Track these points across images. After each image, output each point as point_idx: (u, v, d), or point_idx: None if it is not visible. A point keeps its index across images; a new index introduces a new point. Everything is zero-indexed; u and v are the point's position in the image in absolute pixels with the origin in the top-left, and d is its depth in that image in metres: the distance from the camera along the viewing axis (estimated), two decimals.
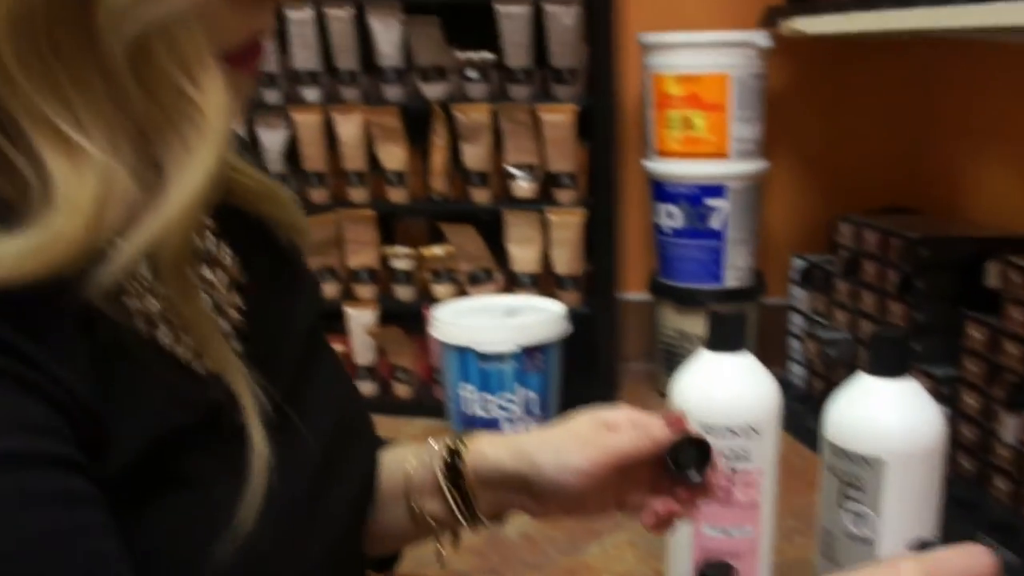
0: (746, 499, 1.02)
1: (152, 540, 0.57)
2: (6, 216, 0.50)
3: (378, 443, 0.92)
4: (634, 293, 1.92)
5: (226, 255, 0.72)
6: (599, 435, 0.78)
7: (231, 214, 0.74)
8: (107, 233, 0.52)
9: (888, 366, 0.94)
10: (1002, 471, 1.28)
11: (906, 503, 0.93)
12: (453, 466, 0.83)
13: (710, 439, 0.76)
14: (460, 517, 0.83)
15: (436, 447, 0.84)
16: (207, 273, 0.69)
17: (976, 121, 1.66)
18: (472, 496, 0.83)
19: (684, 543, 1.04)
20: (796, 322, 1.74)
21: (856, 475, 0.94)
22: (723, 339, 1.02)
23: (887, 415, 0.94)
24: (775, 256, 1.86)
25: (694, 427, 0.77)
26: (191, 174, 0.53)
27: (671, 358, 1.73)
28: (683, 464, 0.75)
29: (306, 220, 0.80)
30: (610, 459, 0.76)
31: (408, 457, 0.86)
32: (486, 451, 0.82)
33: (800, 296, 1.72)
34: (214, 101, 0.53)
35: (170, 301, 0.59)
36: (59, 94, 0.51)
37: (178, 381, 0.59)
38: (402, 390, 1.71)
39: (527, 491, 0.80)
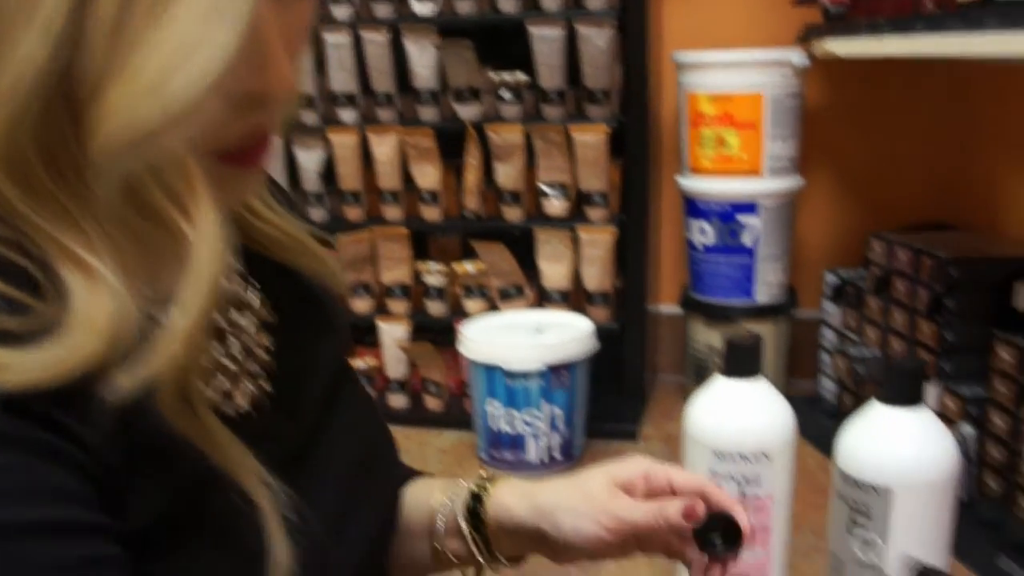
0: (757, 523, 1.03)
1: None
2: (27, 329, 0.52)
3: (404, 474, 0.94)
4: (667, 306, 1.93)
5: (254, 297, 0.75)
6: (613, 500, 0.78)
7: (260, 256, 0.77)
8: (122, 351, 0.54)
9: (901, 396, 0.94)
10: None
11: (914, 532, 0.93)
12: (475, 512, 0.85)
13: (736, 511, 0.76)
14: (480, 558, 0.85)
15: (462, 486, 0.86)
16: (236, 316, 0.72)
17: (1014, 137, 1.65)
18: (492, 541, 0.85)
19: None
20: (828, 337, 1.74)
21: (865, 503, 0.94)
22: (738, 365, 1.03)
23: (897, 445, 0.94)
24: (809, 270, 1.86)
25: (717, 496, 0.77)
26: (186, 306, 0.53)
27: (701, 372, 1.73)
28: (712, 543, 0.76)
29: (339, 268, 0.82)
30: (625, 528, 0.76)
31: (435, 493, 0.88)
32: (507, 501, 0.83)
33: (832, 311, 1.72)
34: (206, 234, 0.53)
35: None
36: (69, 220, 0.52)
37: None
38: (432, 403, 1.74)
39: (546, 543, 0.81)
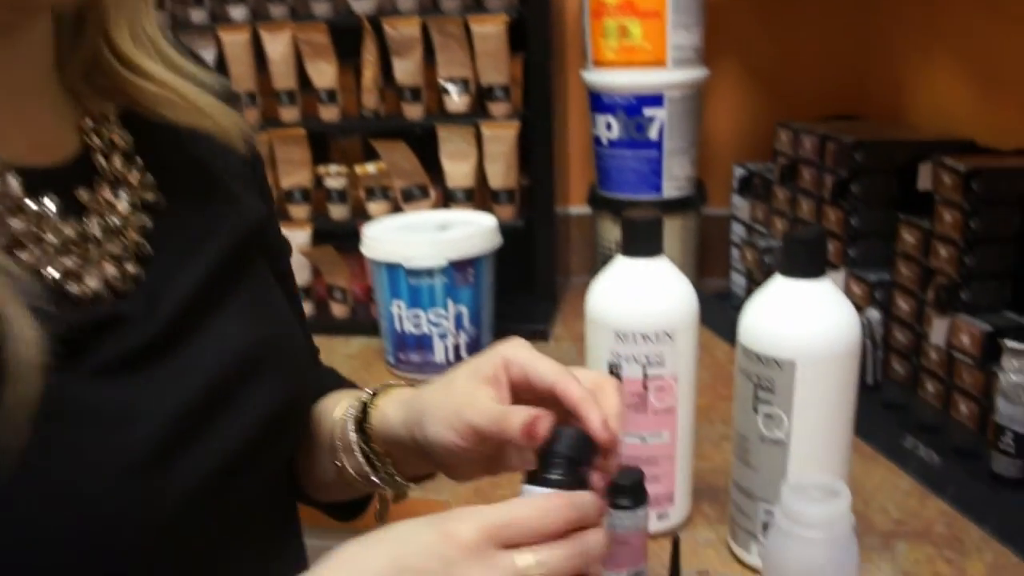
0: (661, 405, 1.01)
1: None
2: None
3: (323, 382, 0.89)
4: (577, 207, 1.89)
5: (136, 175, 0.70)
6: (469, 398, 0.70)
7: (156, 131, 0.71)
8: None
9: (802, 268, 0.92)
10: (931, 373, 1.28)
11: (818, 405, 0.92)
12: (362, 426, 0.79)
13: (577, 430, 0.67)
14: (375, 479, 0.79)
15: (359, 398, 0.81)
16: (107, 194, 0.67)
17: (918, 29, 1.63)
18: (384, 457, 0.79)
19: None
20: (737, 231, 1.72)
21: (768, 378, 0.92)
22: (637, 244, 1.00)
23: (799, 317, 0.91)
24: (718, 166, 1.83)
25: (572, 396, 0.68)
26: None
27: None
28: (548, 472, 0.66)
29: (246, 125, 0.76)
30: (472, 433, 0.69)
31: (341, 405, 0.83)
32: (387, 411, 0.77)
33: (740, 205, 1.70)
34: None
35: None
36: None
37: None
38: (338, 309, 1.69)
39: (424, 455, 0.74)
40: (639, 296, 0.99)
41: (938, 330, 1.25)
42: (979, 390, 1.19)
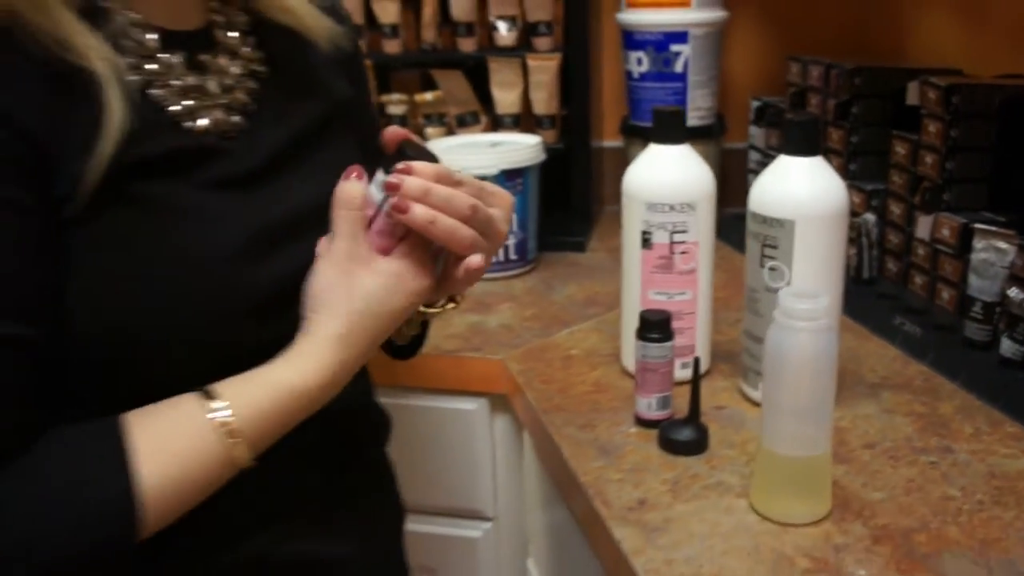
0: (685, 267, 1.21)
1: (96, 254, 0.75)
2: None
3: None
4: (611, 141, 2.10)
5: (247, 50, 0.92)
6: None
7: (273, 23, 0.93)
8: None
9: (798, 146, 1.12)
10: (918, 267, 1.47)
11: (812, 257, 1.11)
12: None
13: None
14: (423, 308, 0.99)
15: None
16: (223, 60, 0.89)
17: None
18: None
19: (632, 307, 1.25)
20: (753, 158, 1.93)
21: (772, 236, 1.12)
22: (665, 132, 1.21)
23: (796, 185, 1.11)
24: (737, 101, 2.03)
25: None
26: None
27: None
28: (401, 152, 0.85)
29: (338, 34, 0.97)
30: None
31: None
32: None
33: (756, 134, 1.90)
34: None
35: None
36: None
37: (138, 121, 0.77)
38: None
39: None
40: (666, 174, 1.20)
41: (923, 227, 1.45)
42: (957, 277, 1.38)
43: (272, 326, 0.84)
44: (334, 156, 0.95)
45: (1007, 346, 1.23)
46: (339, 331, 0.81)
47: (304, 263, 0.86)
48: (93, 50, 0.74)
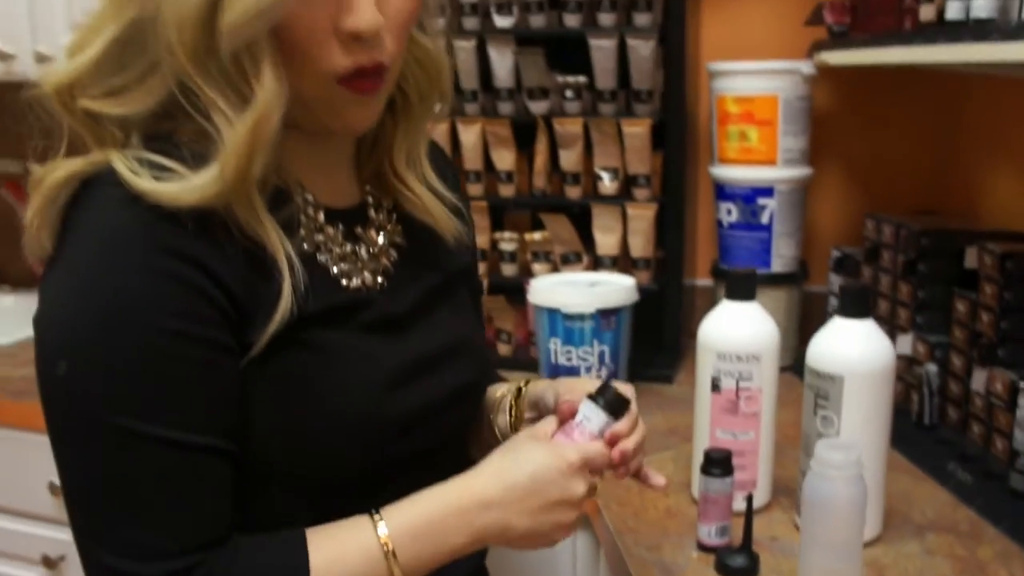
0: (748, 410, 1.37)
1: (276, 386, 0.94)
2: (198, 161, 0.88)
3: (489, 372, 1.26)
4: (702, 280, 2.26)
5: (392, 225, 1.11)
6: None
7: (409, 214, 1.13)
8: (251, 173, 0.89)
9: (851, 310, 1.28)
10: (976, 417, 1.59)
11: (860, 410, 1.25)
12: (519, 392, 1.18)
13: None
14: (511, 426, 1.17)
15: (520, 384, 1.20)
16: (372, 233, 1.08)
17: (988, 137, 1.95)
18: (519, 417, 1.17)
19: (702, 442, 1.40)
20: (832, 303, 2.07)
21: (825, 389, 1.27)
22: (737, 290, 1.38)
23: (848, 344, 1.26)
24: (820, 249, 2.17)
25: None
26: (236, 133, 0.87)
27: None
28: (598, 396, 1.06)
29: (464, 227, 1.18)
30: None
31: (501, 389, 1.22)
32: (538, 384, 1.18)
33: (835, 281, 2.05)
34: (267, 90, 0.86)
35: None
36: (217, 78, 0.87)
37: (308, 281, 0.96)
38: (503, 349, 2.09)
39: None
40: (735, 328, 1.37)
41: (978, 379, 1.58)
42: (1010, 428, 1.49)
43: (411, 441, 1.02)
44: (456, 308, 1.16)
45: None
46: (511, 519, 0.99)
47: (436, 393, 1.05)
48: (278, 238, 0.93)
